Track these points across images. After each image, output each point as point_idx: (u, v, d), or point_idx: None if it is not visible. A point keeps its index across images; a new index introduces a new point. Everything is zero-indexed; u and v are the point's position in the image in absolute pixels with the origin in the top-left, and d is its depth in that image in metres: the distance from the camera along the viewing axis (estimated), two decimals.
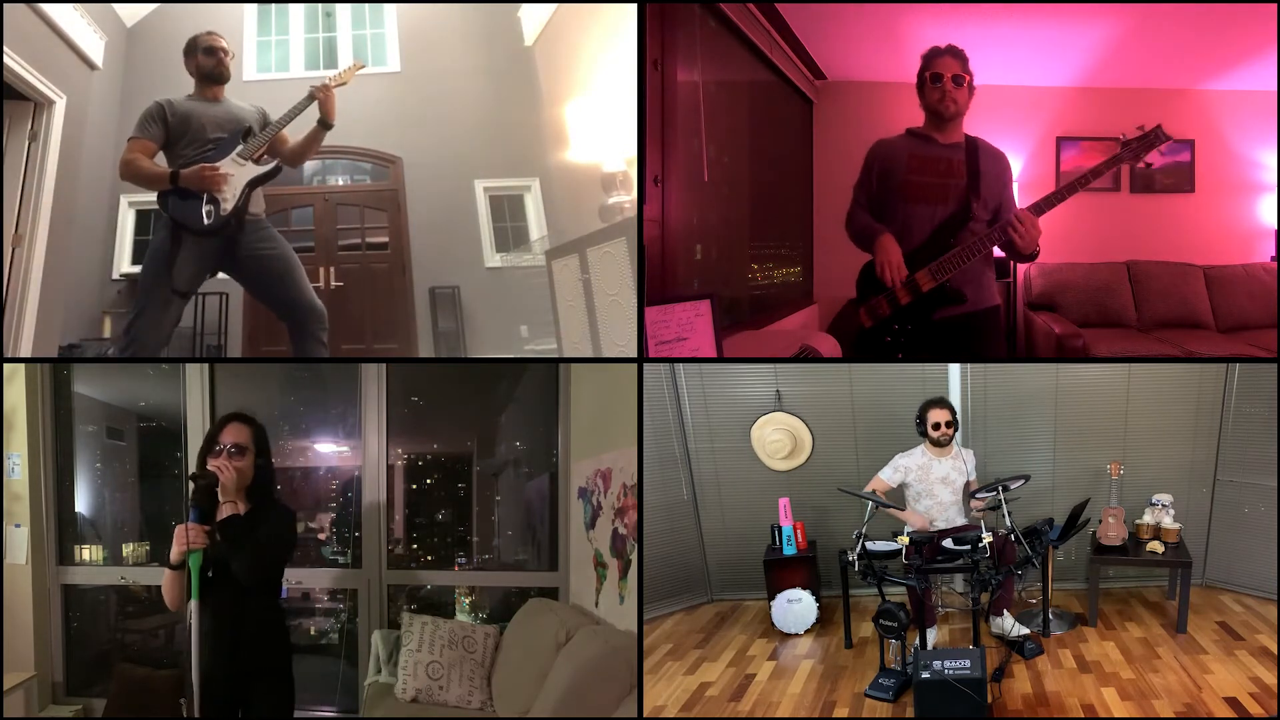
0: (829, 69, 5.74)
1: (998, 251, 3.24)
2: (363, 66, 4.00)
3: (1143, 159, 3.05)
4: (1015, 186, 3.37)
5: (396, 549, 4.63)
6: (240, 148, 3.65)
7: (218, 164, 3.58)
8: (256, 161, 3.67)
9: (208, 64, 3.77)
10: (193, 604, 2.42)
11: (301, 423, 4.73)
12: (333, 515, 4.67)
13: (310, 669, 4.50)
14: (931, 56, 3.18)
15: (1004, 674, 3.21)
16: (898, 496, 3.73)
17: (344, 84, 3.80)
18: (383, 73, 8.50)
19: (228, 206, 3.58)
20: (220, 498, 2.51)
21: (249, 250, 3.70)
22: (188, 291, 3.66)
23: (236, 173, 3.61)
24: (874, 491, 3.61)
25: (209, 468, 2.53)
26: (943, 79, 3.13)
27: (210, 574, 2.49)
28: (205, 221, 3.55)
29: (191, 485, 2.50)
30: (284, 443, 4.66)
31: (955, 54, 3.17)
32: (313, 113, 3.73)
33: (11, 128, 5.79)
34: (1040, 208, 3.08)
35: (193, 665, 2.41)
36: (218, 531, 2.48)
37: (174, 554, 2.45)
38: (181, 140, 3.64)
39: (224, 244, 3.65)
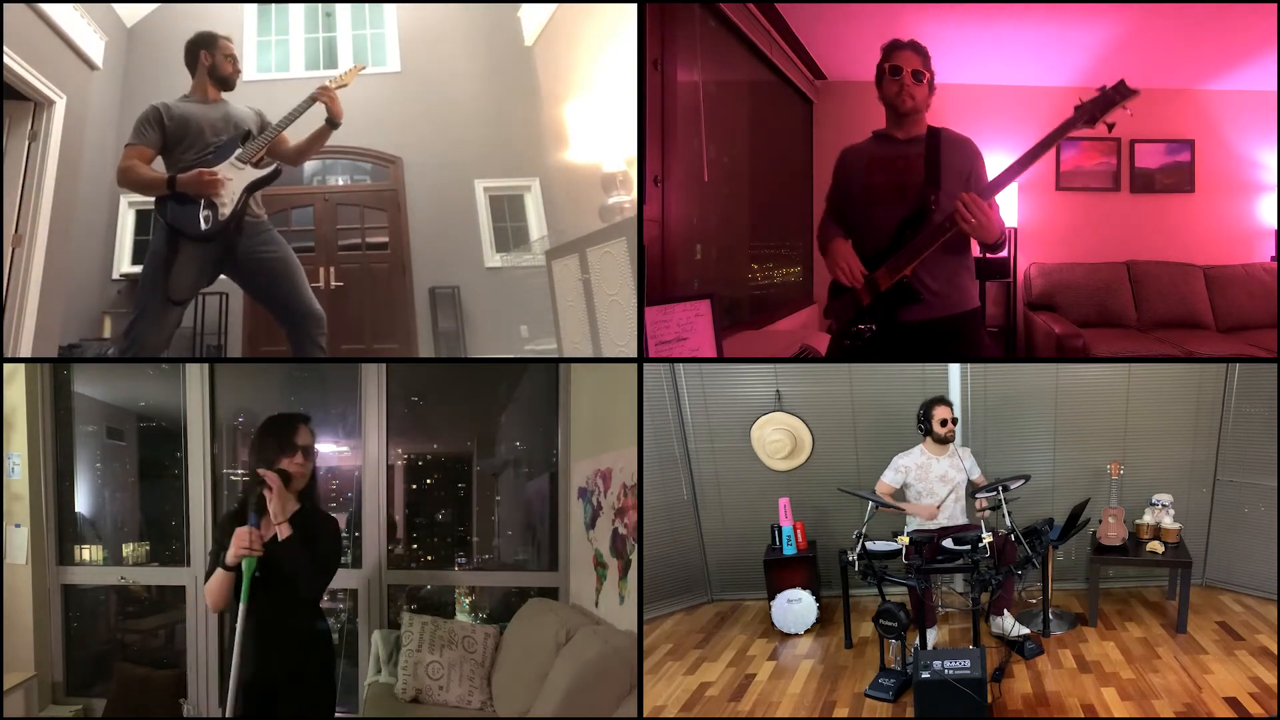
0: (829, 69, 5.74)
1: (976, 251, 3.17)
2: (364, 69, 3.99)
3: (1101, 120, 2.80)
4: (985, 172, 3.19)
5: (396, 549, 4.63)
6: (239, 151, 3.63)
7: (215, 168, 3.56)
8: (255, 165, 3.66)
9: (226, 68, 3.76)
10: (241, 607, 2.41)
11: None
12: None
13: None
14: (892, 49, 3.07)
15: (1004, 674, 3.21)
16: (898, 497, 3.73)
17: (344, 86, 3.79)
18: (383, 73, 8.49)
19: (225, 211, 3.55)
20: (276, 516, 2.47)
21: (249, 252, 3.68)
22: (185, 299, 3.64)
23: (235, 177, 3.59)
24: (873, 492, 3.61)
25: (262, 475, 2.49)
26: (902, 72, 3.02)
27: (258, 574, 2.48)
28: (203, 227, 3.53)
29: (256, 489, 2.48)
30: None
31: (916, 49, 3.07)
32: (313, 113, 3.73)
33: (11, 128, 5.79)
34: (986, 191, 2.90)
35: (233, 669, 2.40)
36: (273, 551, 2.47)
37: (230, 555, 2.44)
38: (180, 144, 3.61)
39: (224, 246, 3.63)
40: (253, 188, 3.64)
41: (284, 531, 2.48)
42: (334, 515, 2.77)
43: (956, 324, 3.08)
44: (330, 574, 2.65)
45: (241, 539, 2.43)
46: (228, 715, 2.41)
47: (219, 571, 2.50)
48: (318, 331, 3.76)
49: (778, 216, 5.26)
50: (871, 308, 3.02)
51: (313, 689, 2.63)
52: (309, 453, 2.62)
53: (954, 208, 2.83)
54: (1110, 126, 2.79)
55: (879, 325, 3.03)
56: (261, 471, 2.50)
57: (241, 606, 2.41)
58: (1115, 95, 2.75)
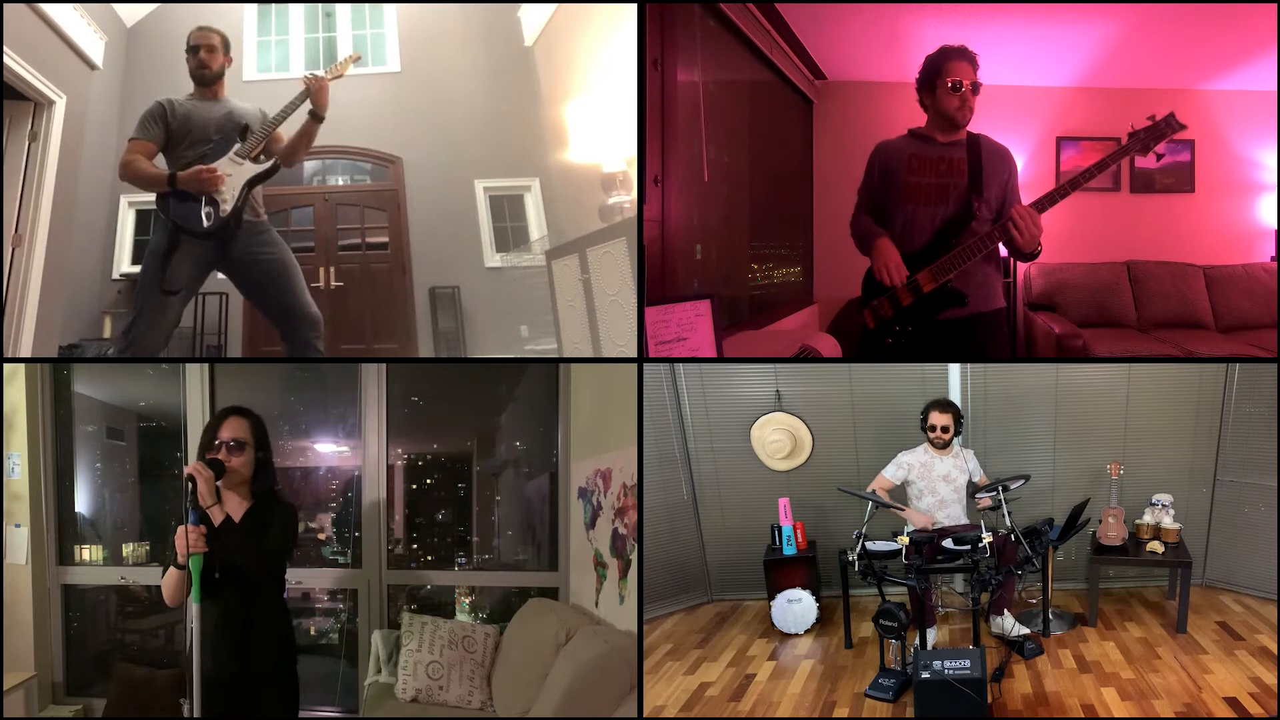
0: (829, 69, 5.74)
1: (1003, 251, 3.22)
2: (359, 58, 3.96)
3: (1152, 150, 2.94)
4: (1018, 182, 3.27)
5: (396, 549, 4.63)
6: (237, 146, 3.62)
7: (214, 164, 3.56)
8: (254, 160, 3.65)
9: (191, 64, 3.74)
10: (194, 606, 2.40)
11: (301, 423, 4.73)
12: (333, 515, 4.67)
13: (310, 669, 4.46)
14: (947, 59, 3.09)
15: (1004, 674, 3.21)
16: (900, 494, 3.73)
17: (339, 76, 3.76)
18: (383, 73, 8.49)
19: (227, 208, 3.55)
20: (203, 501, 2.48)
21: (246, 253, 3.67)
22: (178, 290, 3.63)
23: (234, 172, 3.59)
24: (874, 490, 3.61)
25: (187, 471, 2.50)
26: (963, 86, 3.05)
27: (217, 575, 2.49)
28: (205, 224, 3.53)
29: (189, 485, 2.48)
30: (284, 443, 4.66)
31: (970, 59, 3.10)
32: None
33: (11, 128, 5.79)
34: (1042, 204, 3.02)
35: (194, 666, 2.41)
36: (216, 538, 2.47)
37: (179, 556, 2.44)
38: (183, 142, 3.62)
39: (221, 245, 3.63)
40: (253, 183, 3.63)
41: (217, 516, 2.49)
42: (290, 504, 2.77)
43: (983, 322, 3.12)
44: (274, 562, 2.63)
45: (180, 540, 2.42)
46: (196, 714, 2.41)
47: (172, 569, 2.51)
48: (314, 335, 3.75)
49: (778, 216, 5.26)
50: (913, 308, 3.04)
51: (273, 688, 2.63)
52: (240, 445, 2.60)
53: (1009, 217, 2.93)
54: (1159, 156, 2.96)
55: (917, 326, 3.06)
56: (186, 469, 2.51)
57: (194, 606, 2.40)
58: (1166, 128, 2.87)
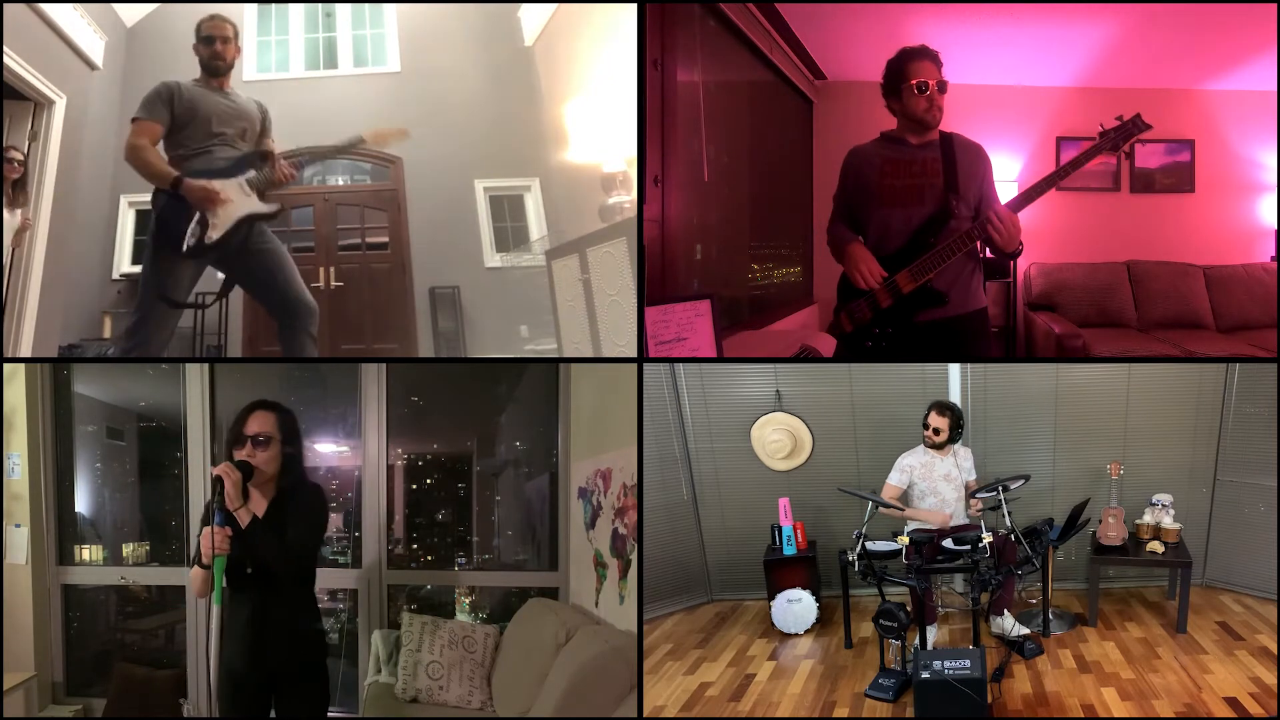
0: (829, 69, 5.74)
1: (987, 252, 3.19)
2: (407, 134, 3.98)
3: (1121, 148, 2.99)
4: (995, 179, 3.21)
5: (396, 549, 4.63)
6: (252, 175, 3.58)
7: (224, 184, 3.50)
8: (261, 196, 3.61)
9: (204, 54, 3.69)
10: (215, 608, 2.38)
11: (301, 423, 4.70)
12: (333, 515, 4.67)
13: None
14: (909, 61, 3.03)
15: (1004, 674, 3.22)
16: (905, 498, 3.73)
17: (384, 145, 3.77)
18: (383, 73, 8.49)
19: (213, 235, 3.49)
20: (230, 504, 2.43)
21: (242, 248, 3.66)
22: (182, 300, 3.62)
23: (237, 200, 3.53)
24: (877, 495, 3.61)
25: (213, 473, 2.46)
26: (929, 87, 3.00)
27: (249, 570, 2.48)
28: (187, 243, 3.47)
29: (217, 486, 2.44)
30: None
31: (933, 57, 3.04)
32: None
33: (11, 128, 5.79)
34: (1019, 204, 2.98)
35: (210, 665, 2.38)
36: (242, 539, 2.44)
37: (204, 557, 2.41)
38: (186, 129, 3.57)
39: (215, 249, 3.61)
40: (251, 220, 3.60)
41: (244, 518, 2.46)
42: (318, 485, 2.75)
43: (964, 323, 3.09)
44: (304, 553, 2.61)
45: (206, 541, 2.38)
46: (215, 712, 2.40)
47: (197, 568, 2.47)
48: (310, 323, 3.73)
49: (778, 216, 5.26)
50: (893, 310, 3.03)
51: (302, 687, 2.62)
52: (266, 440, 2.57)
53: (986, 218, 2.91)
54: (1128, 154, 3.10)
55: (897, 327, 3.04)
56: (213, 469, 2.47)
57: (214, 607, 2.37)
58: (1133, 128, 2.99)
